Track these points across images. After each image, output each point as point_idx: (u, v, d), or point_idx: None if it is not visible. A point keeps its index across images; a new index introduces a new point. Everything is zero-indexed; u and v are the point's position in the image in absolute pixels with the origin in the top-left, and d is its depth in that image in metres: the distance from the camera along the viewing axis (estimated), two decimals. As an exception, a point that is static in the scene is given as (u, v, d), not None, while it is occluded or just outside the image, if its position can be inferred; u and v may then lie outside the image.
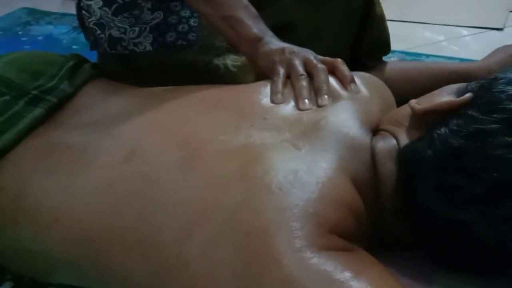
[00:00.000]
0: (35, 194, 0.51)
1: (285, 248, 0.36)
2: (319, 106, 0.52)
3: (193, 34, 0.75)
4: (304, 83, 0.55)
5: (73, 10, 0.87)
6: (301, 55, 0.60)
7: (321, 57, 0.60)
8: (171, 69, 0.75)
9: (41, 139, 0.57)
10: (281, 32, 0.68)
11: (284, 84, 0.56)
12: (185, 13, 0.75)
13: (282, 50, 0.61)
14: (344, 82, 0.56)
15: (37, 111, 0.61)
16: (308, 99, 0.53)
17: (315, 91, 0.54)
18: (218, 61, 0.77)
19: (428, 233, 0.44)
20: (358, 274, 0.35)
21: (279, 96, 0.54)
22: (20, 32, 1.45)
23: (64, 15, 1.56)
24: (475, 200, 0.40)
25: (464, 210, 0.41)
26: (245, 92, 0.58)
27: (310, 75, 0.57)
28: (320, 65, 0.58)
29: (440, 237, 0.43)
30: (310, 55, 0.60)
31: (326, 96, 0.53)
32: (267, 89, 0.57)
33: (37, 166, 0.53)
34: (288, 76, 0.58)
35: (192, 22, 0.75)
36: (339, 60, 0.59)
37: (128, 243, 0.44)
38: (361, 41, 0.90)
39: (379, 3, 0.90)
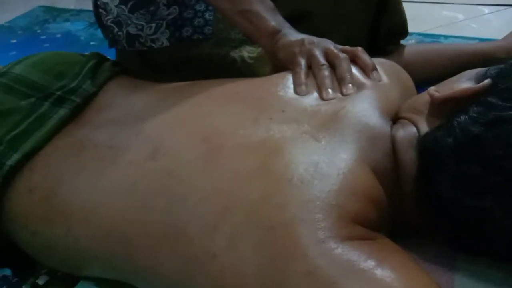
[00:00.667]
0: (65, 193, 0.53)
1: (308, 240, 0.37)
2: (343, 95, 0.52)
3: (209, 27, 0.75)
4: (326, 72, 0.55)
5: (88, 6, 0.88)
6: (321, 45, 0.60)
7: (341, 47, 0.60)
8: (189, 63, 0.76)
9: (68, 138, 0.59)
10: (297, 21, 0.68)
11: (307, 75, 0.56)
12: (200, 7, 0.76)
13: (302, 41, 0.61)
14: (366, 71, 0.56)
15: (62, 112, 0.62)
16: (332, 89, 0.53)
17: (339, 81, 0.54)
18: (234, 54, 0.77)
19: (447, 221, 0.44)
20: (381, 262, 0.36)
21: (303, 87, 0.54)
22: (38, 31, 1.48)
23: (80, 11, 1.58)
24: (494, 187, 0.41)
25: (482, 197, 0.41)
26: (262, 84, 0.59)
27: (332, 64, 0.57)
28: (342, 54, 0.57)
29: (459, 224, 0.44)
30: (330, 45, 0.60)
31: (350, 85, 0.53)
32: (284, 81, 0.57)
33: (66, 165, 0.55)
34: (309, 67, 0.58)
35: (207, 15, 0.75)
36: (360, 48, 0.59)
37: (156, 237, 0.45)
38: (378, 26, 0.89)
39: None
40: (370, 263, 0.35)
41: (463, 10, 1.33)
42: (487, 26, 1.24)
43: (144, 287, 0.50)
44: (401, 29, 0.92)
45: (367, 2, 0.86)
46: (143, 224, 0.46)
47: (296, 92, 0.54)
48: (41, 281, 0.61)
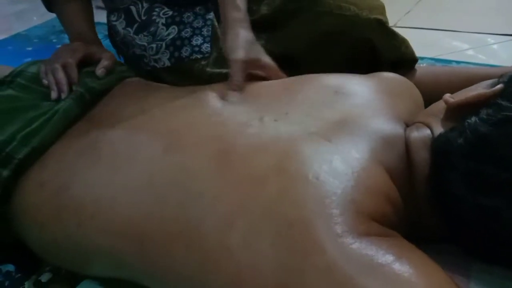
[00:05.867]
0: (78, 187, 0.52)
1: (326, 235, 0.36)
2: None
3: (207, 45, 0.77)
4: None
5: (104, 19, 0.90)
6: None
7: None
8: (190, 80, 0.76)
9: (82, 135, 0.59)
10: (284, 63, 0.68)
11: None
12: (198, 23, 0.77)
13: None
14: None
15: (74, 108, 0.64)
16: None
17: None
18: None
19: (459, 221, 0.44)
20: (399, 257, 0.35)
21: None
22: (54, 40, 1.50)
23: (97, 24, 1.60)
24: (503, 185, 0.41)
25: (492, 196, 0.41)
26: (264, 88, 0.61)
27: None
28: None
29: (470, 224, 0.43)
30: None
31: None
32: (285, 86, 0.60)
33: (80, 160, 0.55)
34: None
35: (205, 31, 0.77)
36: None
37: (171, 232, 0.44)
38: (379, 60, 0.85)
39: (383, 24, 0.83)
40: (388, 258, 0.35)
41: (470, 40, 1.34)
42: (494, 56, 1.24)
43: (153, 285, 0.48)
44: (409, 60, 0.87)
45: (325, 39, 0.82)
46: (158, 220, 0.45)
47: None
48: (43, 279, 0.60)
